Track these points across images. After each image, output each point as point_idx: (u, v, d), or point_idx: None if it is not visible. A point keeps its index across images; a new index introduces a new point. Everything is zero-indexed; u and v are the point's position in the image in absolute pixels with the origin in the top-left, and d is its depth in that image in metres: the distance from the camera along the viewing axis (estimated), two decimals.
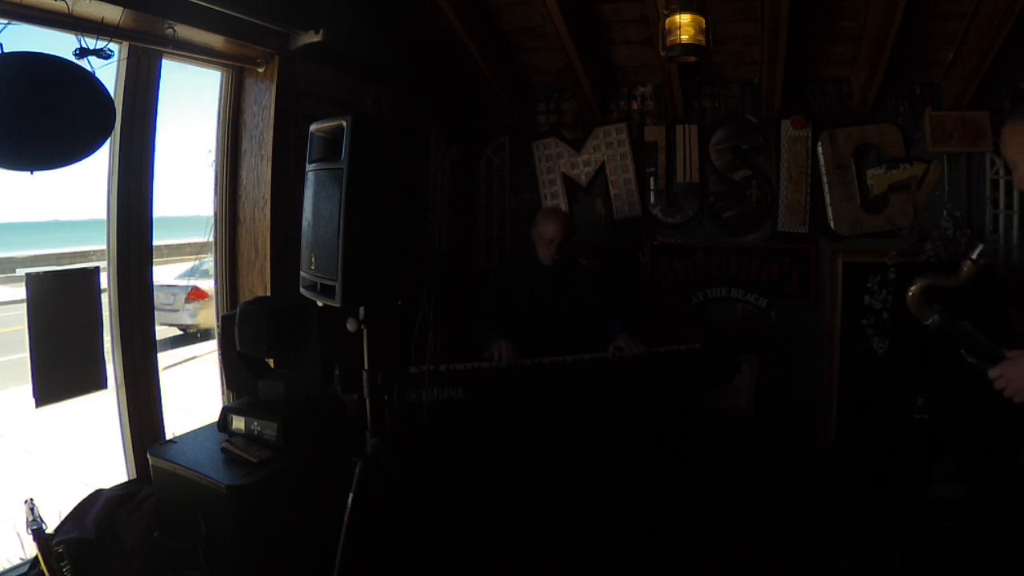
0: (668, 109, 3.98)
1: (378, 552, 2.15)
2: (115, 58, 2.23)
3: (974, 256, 1.59)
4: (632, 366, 2.89)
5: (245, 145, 2.97)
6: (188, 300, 8.71)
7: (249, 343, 2.34)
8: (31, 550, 2.03)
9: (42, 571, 1.89)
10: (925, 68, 3.53)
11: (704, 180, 3.97)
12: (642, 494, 2.89)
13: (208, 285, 7.99)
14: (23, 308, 2.13)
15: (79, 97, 2.02)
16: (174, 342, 8.32)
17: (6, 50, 1.91)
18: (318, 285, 1.99)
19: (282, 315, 2.33)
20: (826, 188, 3.76)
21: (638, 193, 4.05)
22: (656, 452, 2.92)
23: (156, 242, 2.64)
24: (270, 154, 2.87)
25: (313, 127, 2.06)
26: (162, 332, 2.58)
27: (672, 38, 2.84)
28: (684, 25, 2.82)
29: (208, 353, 6.96)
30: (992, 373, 1.51)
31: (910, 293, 1.63)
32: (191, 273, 9.85)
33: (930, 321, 1.65)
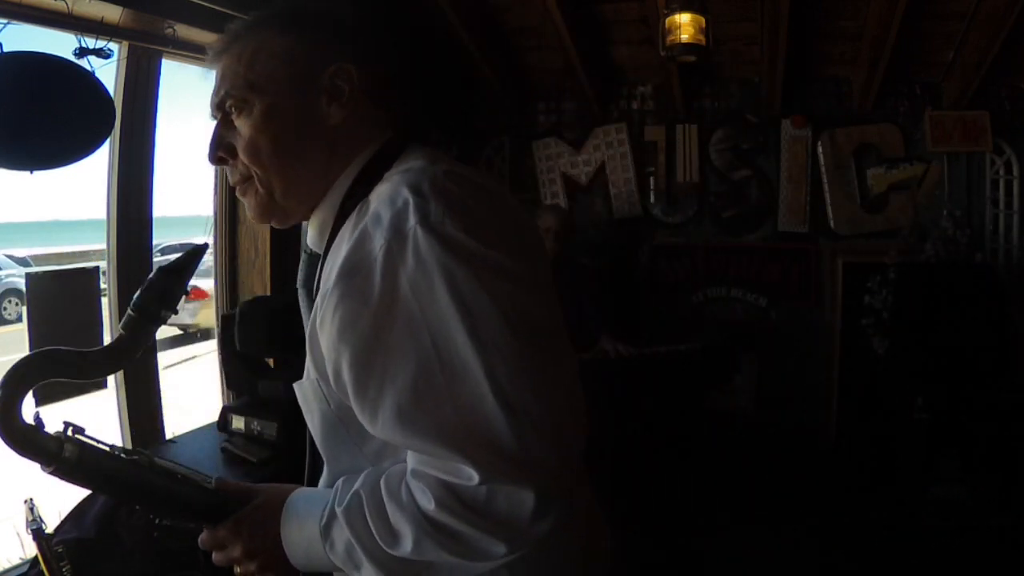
0: (668, 109, 3.98)
1: None
2: (115, 58, 2.23)
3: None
4: (632, 366, 2.89)
5: None
6: (188, 300, 8.70)
7: (249, 342, 2.34)
8: (31, 550, 2.03)
9: (42, 571, 1.89)
10: (925, 68, 3.53)
11: (704, 180, 3.96)
12: (641, 493, 2.89)
13: (208, 285, 8.01)
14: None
15: (79, 97, 2.01)
16: (174, 342, 8.32)
17: (6, 50, 1.91)
18: None
19: (282, 314, 2.33)
20: (826, 188, 3.75)
21: (638, 193, 4.05)
22: (656, 452, 2.92)
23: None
24: None
25: None
26: (162, 332, 2.56)
27: (672, 38, 2.84)
28: (684, 25, 2.82)
29: (208, 353, 6.96)
30: (208, 539, 0.87)
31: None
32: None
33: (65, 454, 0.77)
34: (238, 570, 0.88)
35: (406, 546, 0.72)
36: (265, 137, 0.85)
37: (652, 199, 4.06)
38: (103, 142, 2.11)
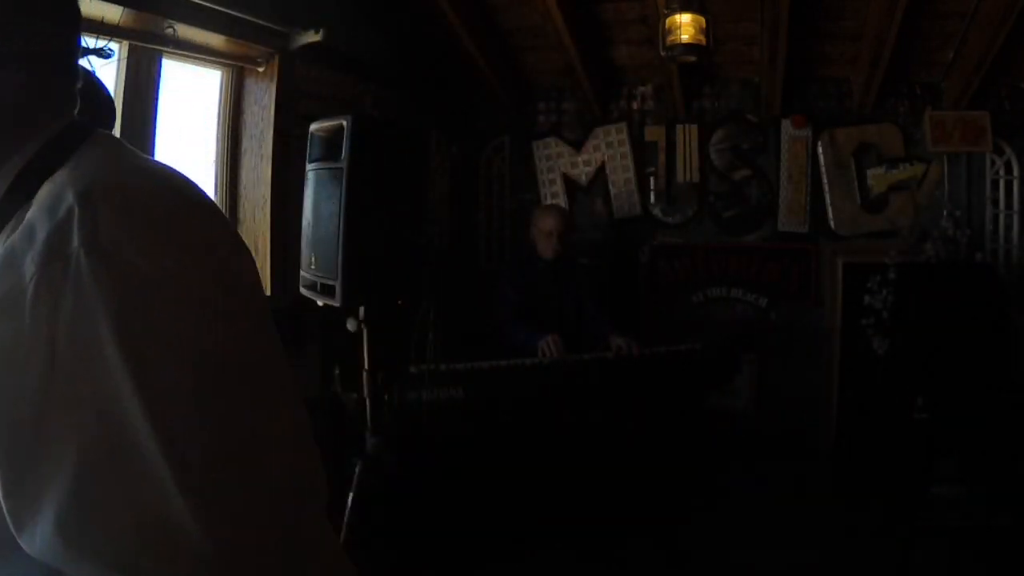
0: (668, 109, 3.98)
1: (378, 551, 2.15)
2: (115, 57, 2.23)
3: None
4: (633, 366, 2.88)
5: (245, 145, 2.97)
6: None
7: None
8: None
9: None
10: (925, 68, 3.53)
11: (704, 180, 3.96)
12: (641, 493, 2.89)
13: None
14: None
15: (79, 96, 2.01)
16: None
17: None
18: (318, 285, 1.99)
19: (282, 315, 2.33)
20: (826, 188, 3.76)
21: (638, 193, 4.05)
22: (656, 452, 2.92)
23: None
24: (270, 154, 2.87)
25: (313, 127, 2.07)
26: None
27: (672, 38, 2.84)
28: (684, 25, 2.82)
29: None
30: None
31: None
32: None
33: None
34: None
35: None
36: None
37: (652, 199, 4.05)
38: None
